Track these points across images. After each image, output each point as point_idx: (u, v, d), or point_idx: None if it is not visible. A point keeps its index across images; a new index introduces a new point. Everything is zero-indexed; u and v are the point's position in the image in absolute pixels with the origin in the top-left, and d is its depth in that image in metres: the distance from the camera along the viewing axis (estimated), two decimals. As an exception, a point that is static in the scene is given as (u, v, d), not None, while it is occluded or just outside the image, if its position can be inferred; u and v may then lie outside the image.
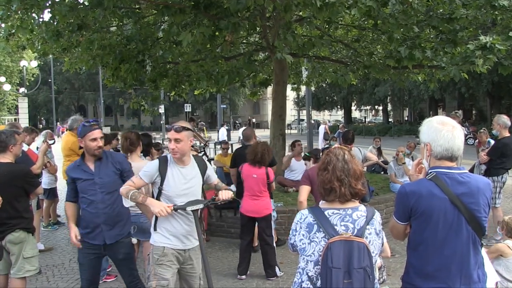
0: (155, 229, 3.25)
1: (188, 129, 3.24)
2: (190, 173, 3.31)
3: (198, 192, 3.34)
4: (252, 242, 5.52)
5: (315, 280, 2.20)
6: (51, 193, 7.46)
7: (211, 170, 3.49)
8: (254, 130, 7.36)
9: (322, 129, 20.62)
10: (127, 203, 4.42)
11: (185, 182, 3.26)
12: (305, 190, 4.41)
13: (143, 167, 3.35)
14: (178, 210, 3.13)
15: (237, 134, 25.79)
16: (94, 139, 3.52)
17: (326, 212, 2.21)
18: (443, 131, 2.23)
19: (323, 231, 2.15)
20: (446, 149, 2.22)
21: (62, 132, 33.81)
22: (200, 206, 3.13)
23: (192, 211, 3.11)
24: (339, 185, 2.21)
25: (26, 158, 5.12)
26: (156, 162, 3.29)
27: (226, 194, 3.23)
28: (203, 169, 3.40)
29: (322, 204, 2.31)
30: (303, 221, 2.23)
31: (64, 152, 6.30)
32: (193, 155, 3.39)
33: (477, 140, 8.13)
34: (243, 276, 5.26)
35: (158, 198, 3.23)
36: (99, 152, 3.56)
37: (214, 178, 3.52)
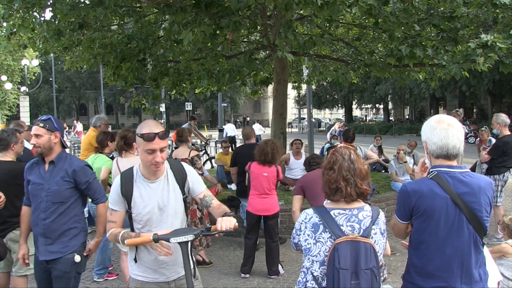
0: (134, 261, 2.58)
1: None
2: (164, 187, 2.53)
3: (179, 211, 2.57)
4: (257, 241, 5.52)
5: (320, 280, 2.18)
6: None
7: (194, 178, 2.63)
8: (253, 128, 7.35)
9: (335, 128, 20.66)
10: (124, 248, 3.86)
11: (159, 201, 2.51)
12: (297, 200, 4.53)
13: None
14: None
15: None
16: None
17: (331, 212, 2.20)
18: (437, 129, 2.23)
19: (329, 232, 2.14)
20: (440, 147, 2.22)
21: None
22: (190, 237, 2.31)
23: (179, 243, 2.31)
24: (345, 185, 2.20)
25: (29, 155, 5.13)
26: (117, 181, 2.54)
27: (227, 223, 2.32)
28: (181, 180, 2.58)
29: (327, 204, 2.30)
30: (308, 221, 2.22)
31: (83, 146, 6.72)
32: (168, 160, 2.60)
33: (478, 139, 8.13)
34: (247, 275, 5.27)
35: (131, 226, 2.57)
36: (34, 151, 3.25)
37: (199, 189, 2.63)
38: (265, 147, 5.25)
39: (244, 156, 5.93)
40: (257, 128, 21.92)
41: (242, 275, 5.27)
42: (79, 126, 34.59)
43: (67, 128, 35.21)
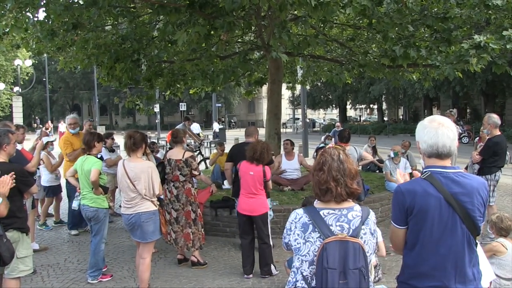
0: None
1: None
2: None
3: None
4: (254, 241, 5.47)
5: (309, 279, 2.19)
6: (51, 191, 7.45)
7: None
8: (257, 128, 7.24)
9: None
10: None
11: None
12: None
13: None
14: None
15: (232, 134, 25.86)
16: None
17: (321, 212, 2.20)
18: (427, 128, 2.27)
19: (318, 231, 2.15)
20: (430, 145, 2.24)
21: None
22: None
23: None
24: (335, 185, 2.20)
25: (20, 157, 5.11)
26: None
27: None
28: None
29: (317, 203, 2.31)
30: (298, 221, 2.23)
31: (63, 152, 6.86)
32: None
33: (478, 138, 8.14)
34: (250, 276, 5.23)
35: None
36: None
37: None
38: (256, 145, 5.24)
39: (242, 154, 5.82)
40: (196, 127, 22.83)
41: (245, 276, 5.23)
42: (62, 127, 30.03)
43: (49, 128, 33.29)
